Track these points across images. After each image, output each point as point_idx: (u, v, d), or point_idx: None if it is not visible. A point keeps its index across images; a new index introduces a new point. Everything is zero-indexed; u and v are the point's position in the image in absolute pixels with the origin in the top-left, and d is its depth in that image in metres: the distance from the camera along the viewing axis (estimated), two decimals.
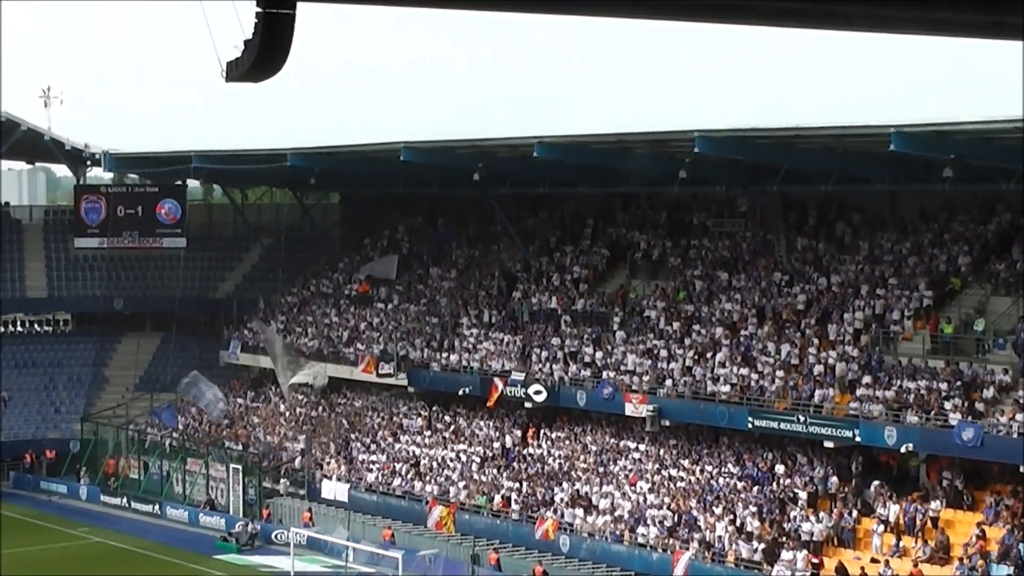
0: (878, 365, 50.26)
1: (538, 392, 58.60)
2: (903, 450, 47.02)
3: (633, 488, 54.22)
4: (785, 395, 51.19)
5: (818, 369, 51.36)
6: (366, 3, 12.77)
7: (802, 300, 55.42)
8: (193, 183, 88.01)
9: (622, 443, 57.19)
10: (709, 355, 55.17)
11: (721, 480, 52.45)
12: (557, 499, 55.64)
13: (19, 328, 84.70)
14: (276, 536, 60.69)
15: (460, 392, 62.68)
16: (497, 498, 57.30)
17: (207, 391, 70.48)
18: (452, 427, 63.95)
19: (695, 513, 51.17)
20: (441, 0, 13.05)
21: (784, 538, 47.99)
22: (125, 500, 68.90)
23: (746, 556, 48.17)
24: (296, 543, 56.42)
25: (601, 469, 56.28)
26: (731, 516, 49.99)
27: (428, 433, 64.37)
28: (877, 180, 54.00)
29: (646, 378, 55.75)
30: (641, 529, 51.83)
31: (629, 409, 55.17)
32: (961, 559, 44.29)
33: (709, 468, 53.40)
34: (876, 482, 48.52)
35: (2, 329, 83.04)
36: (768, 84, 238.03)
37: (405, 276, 74.05)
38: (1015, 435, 44.35)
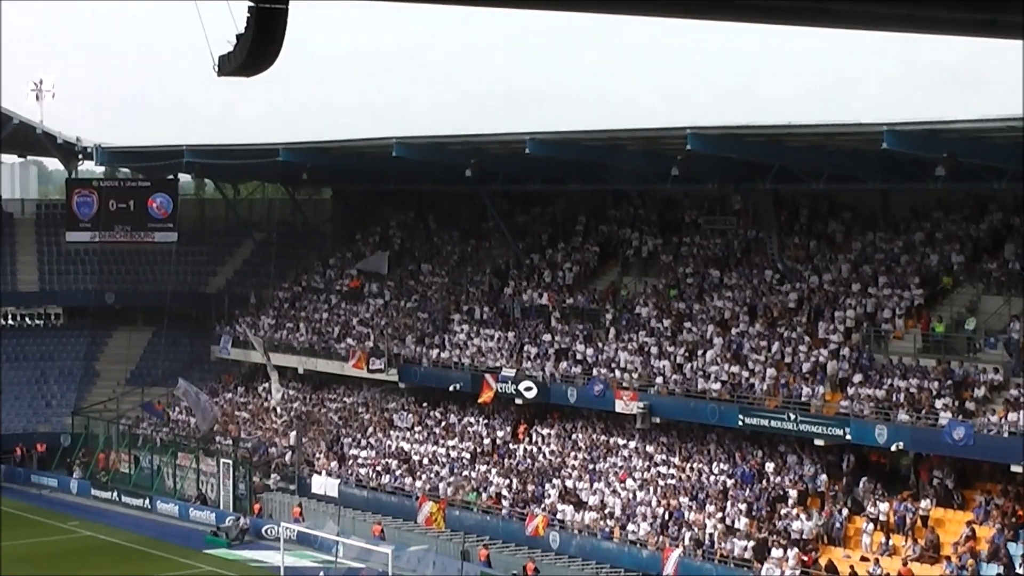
0: (869, 363, 50.30)
1: (529, 388, 58.62)
2: (893, 449, 47.06)
3: (623, 485, 54.24)
4: (776, 393, 51.21)
5: (809, 367, 51.39)
6: None
7: (793, 298, 55.45)
8: (185, 177, 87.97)
9: (612, 440, 57.19)
10: (700, 352, 55.19)
11: (711, 477, 52.47)
12: (547, 495, 55.65)
13: (10, 322, 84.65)
14: (266, 531, 60.67)
15: (451, 388, 62.71)
16: (483, 496, 57.30)
17: (200, 400, 70.05)
18: (443, 423, 63.95)
19: (685, 510, 51.18)
20: None
21: (774, 536, 48.01)
22: (115, 494, 68.83)
23: (736, 553, 48.20)
24: (286, 538, 56.38)
25: (591, 466, 56.28)
26: (721, 514, 50.02)
27: (419, 429, 64.37)
28: (869, 178, 54.00)
29: (637, 375, 55.76)
30: (631, 526, 51.85)
31: (620, 406, 55.17)
32: (951, 558, 44.35)
33: (699, 465, 53.42)
34: (866, 480, 48.56)
35: None
36: (760, 81, 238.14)
37: (397, 272, 74.01)
38: (1006, 434, 44.40)
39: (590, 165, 60.13)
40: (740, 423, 51.48)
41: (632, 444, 56.30)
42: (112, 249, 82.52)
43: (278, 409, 70.10)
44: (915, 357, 49.62)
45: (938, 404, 46.61)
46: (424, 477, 60.41)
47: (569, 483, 55.70)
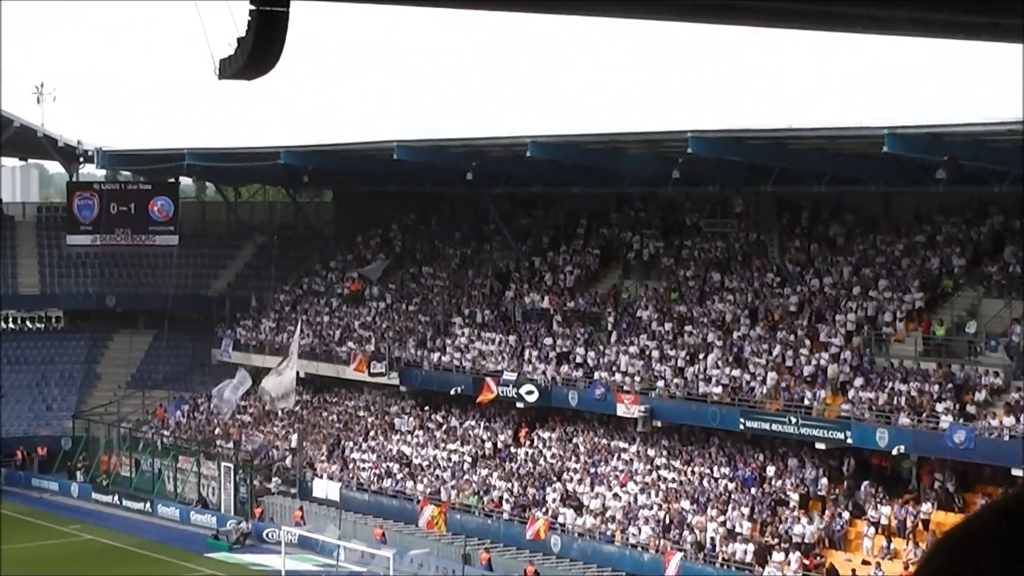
0: (870, 367, 50.26)
1: (530, 392, 58.54)
2: (895, 452, 47.04)
3: (624, 488, 54.20)
4: (777, 396, 51.17)
5: (810, 370, 51.35)
6: (360, 1, 12.75)
7: (794, 301, 55.40)
8: (186, 180, 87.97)
9: (614, 443, 57.14)
10: (701, 356, 55.15)
11: (712, 481, 52.43)
12: (549, 499, 55.61)
13: (11, 325, 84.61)
14: (267, 534, 60.60)
15: (452, 392, 62.62)
16: (485, 499, 57.25)
17: (238, 389, 67.36)
18: (444, 427, 63.90)
19: (686, 514, 51.14)
20: (432, 0, 13.02)
21: (775, 540, 47.97)
22: (116, 498, 68.74)
23: (738, 557, 48.16)
24: (287, 542, 56.35)
25: (592, 469, 56.23)
26: (722, 517, 49.98)
27: (420, 432, 64.31)
28: (871, 181, 54.00)
29: (638, 379, 55.72)
30: (632, 529, 51.81)
31: (621, 410, 55.10)
32: None
33: (700, 469, 53.37)
34: (867, 484, 48.53)
35: None
36: (762, 84, 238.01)
37: (398, 274, 73.97)
38: (1007, 438, 44.38)
39: (591, 168, 60.13)
40: (741, 426, 51.46)
41: (633, 448, 56.25)
42: (113, 252, 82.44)
43: (280, 413, 69.85)
44: (916, 360, 49.59)
45: (939, 407, 46.57)
46: (425, 481, 60.37)
47: (570, 487, 55.66)
